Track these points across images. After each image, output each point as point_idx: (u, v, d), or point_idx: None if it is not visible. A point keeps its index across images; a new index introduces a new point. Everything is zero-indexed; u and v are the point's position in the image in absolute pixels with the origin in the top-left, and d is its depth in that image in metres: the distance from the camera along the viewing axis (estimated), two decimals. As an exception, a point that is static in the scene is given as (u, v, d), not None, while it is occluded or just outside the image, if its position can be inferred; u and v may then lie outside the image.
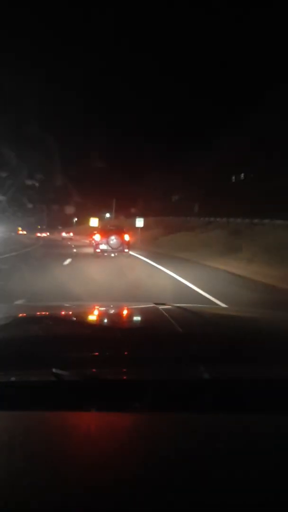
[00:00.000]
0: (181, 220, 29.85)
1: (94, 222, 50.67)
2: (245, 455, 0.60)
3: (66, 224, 65.00)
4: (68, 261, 12.75)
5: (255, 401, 0.81)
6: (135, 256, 15.08)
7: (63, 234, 47.62)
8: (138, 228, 27.74)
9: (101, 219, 53.47)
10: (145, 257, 14.73)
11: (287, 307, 6.28)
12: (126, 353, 1.03)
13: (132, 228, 33.87)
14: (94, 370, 0.89)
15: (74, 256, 15.42)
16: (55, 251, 18.50)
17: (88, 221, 52.18)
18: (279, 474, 0.55)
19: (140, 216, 27.61)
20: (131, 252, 15.05)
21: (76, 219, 61.95)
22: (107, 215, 51.90)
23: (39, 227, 66.65)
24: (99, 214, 51.86)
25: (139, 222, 28.46)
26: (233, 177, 31.41)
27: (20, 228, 61.55)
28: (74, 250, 20.31)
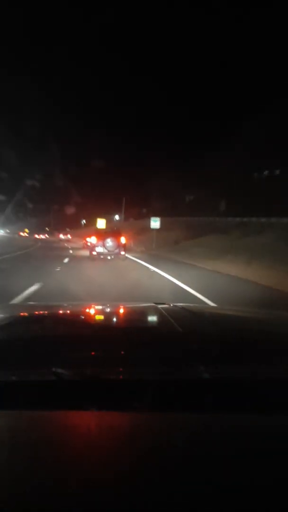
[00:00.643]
0: (204, 220, 24.09)
1: (101, 223, 45.69)
2: (245, 455, 0.59)
3: (74, 226, 63.71)
4: (58, 268, 10.74)
5: (255, 401, 0.80)
6: (151, 270, 10.99)
7: (61, 236, 46.98)
8: (153, 230, 23.18)
9: (110, 221, 48.14)
10: (168, 273, 9.51)
11: None
12: (126, 353, 1.00)
13: (144, 230, 28.26)
14: (94, 369, 0.89)
15: (70, 258, 14.57)
16: (50, 253, 17.84)
17: (96, 222, 46.84)
18: (279, 474, 0.55)
19: (153, 216, 23.90)
20: (144, 263, 12.95)
21: (84, 221, 60.74)
22: (116, 217, 49.34)
23: (47, 229, 65.49)
24: (107, 216, 46.50)
25: (155, 223, 22.78)
26: (265, 172, 25.59)
27: (26, 230, 61.77)
28: (70, 251, 19.93)
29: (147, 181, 40.55)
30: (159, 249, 20.89)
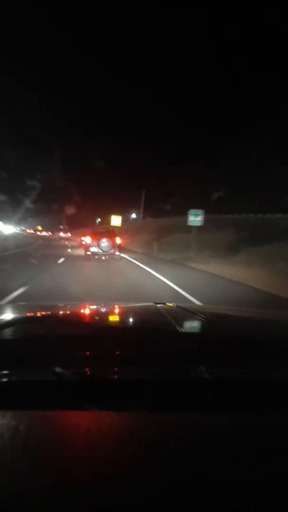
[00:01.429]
0: (263, 218, 15.66)
1: (116, 221, 38.06)
2: (245, 455, 0.59)
3: (89, 224, 57.77)
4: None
5: (255, 401, 0.80)
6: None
7: (61, 234, 46.20)
8: (192, 228, 16.44)
9: (126, 220, 40.05)
10: None
11: None
12: (126, 353, 0.99)
13: (170, 230, 23.87)
14: (94, 369, 0.88)
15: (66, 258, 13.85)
16: (46, 252, 17.14)
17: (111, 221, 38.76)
18: (279, 474, 0.55)
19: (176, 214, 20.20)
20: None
21: (99, 219, 57.17)
22: (133, 215, 44.07)
23: (61, 227, 64.74)
24: (124, 215, 38.72)
25: (195, 218, 14.58)
26: None
27: (39, 227, 62.95)
28: (69, 250, 19.54)
29: (169, 174, 32.67)
30: (207, 259, 12.76)
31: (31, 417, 0.69)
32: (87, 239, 13.96)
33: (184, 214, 16.80)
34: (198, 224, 15.06)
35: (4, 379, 0.82)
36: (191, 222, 15.05)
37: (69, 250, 20.14)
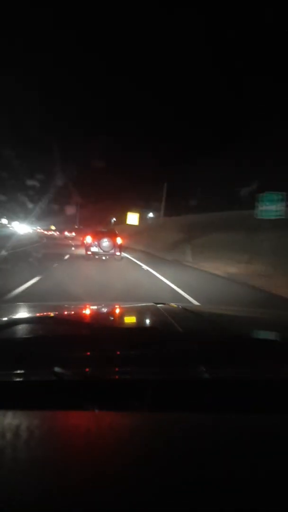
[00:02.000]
0: None
1: (132, 219, 32.12)
2: (245, 455, 0.60)
3: (104, 224, 55.53)
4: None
5: (254, 400, 0.82)
6: None
7: (66, 233, 47.33)
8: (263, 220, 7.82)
9: (144, 219, 33.80)
10: None
11: None
12: (126, 353, 1.00)
13: (204, 228, 18.59)
14: (94, 369, 0.90)
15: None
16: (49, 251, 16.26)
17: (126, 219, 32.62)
18: (279, 474, 0.56)
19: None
20: None
21: (114, 219, 54.63)
22: (150, 214, 38.66)
23: (76, 227, 63.54)
24: (142, 213, 32.71)
25: (272, 206, 7.42)
26: None
27: (53, 227, 63.03)
28: (72, 249, 19.35)
29: (194, 166, 29.05)
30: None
31: (31, 417, 0.69)
32: (88, 239, 13.82)
33: (219, 209, 11.65)
34: (277, 215, 8.73)
35: (4, 379, 0.83)
36: (263, 213, 8.71)
37: (73, 249, 19.64)
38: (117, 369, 0.90)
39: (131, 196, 43.41)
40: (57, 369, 0.80)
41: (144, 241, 25.28)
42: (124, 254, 14.12)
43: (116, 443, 0.61)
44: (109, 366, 0.92)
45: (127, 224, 31.80)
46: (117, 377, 0.88)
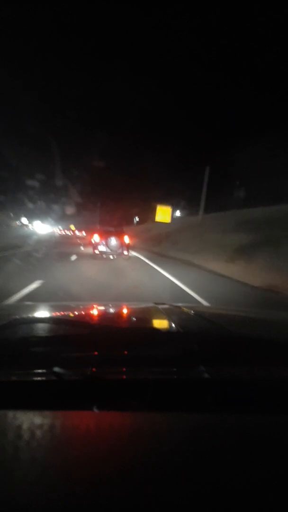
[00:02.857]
0: None
1: (163, 215, 25.90)
2: (245, 455, 0.61)
3: (126, 223, 53.08)
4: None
5: (255, 401, 0.83)
6: None
7: (76, 232, 48.79)
8: None
9: (177, 219, 27.43)
10: None
11: None
12: (126, 352, 1.03)
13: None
14: (94, 369, 0.91)
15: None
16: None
17: (156, 213, 26.06)
18: (279, 474, 0.57)
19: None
20: None
21: (137, 218, 52.80)
22: (177, 213, 33.37)
23: (98, 227, 54.49)
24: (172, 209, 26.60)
25: None
26: None
27: (72, 227, 63.16)
28: (81, 248, 19.32)
29: (242, 152, 20.21)
30: None
31: (31, 417, 0.70)
32: (96, 238, 13.76)
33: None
34: None
35: (4, 379, 0.83)
36: None
37: (82, 248, 19.75)
38: (117, 369, 0.92)
39: (159, 191, 37.74)
40: (56, 369, 0.82)
41: (185, 245, 19.10)
42: (163, 273, 10.09)
43: (116, 443, 0.63)
44: (109, 366, 0.94)
45: (156, 222, 25.66)
46: (117, 377, 0.90)
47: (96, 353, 0.98)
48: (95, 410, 0.77)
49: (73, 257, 13.51)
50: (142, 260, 14.91)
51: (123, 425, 0.69)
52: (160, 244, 24.62)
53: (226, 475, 0.55)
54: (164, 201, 27.75)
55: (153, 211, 27.84)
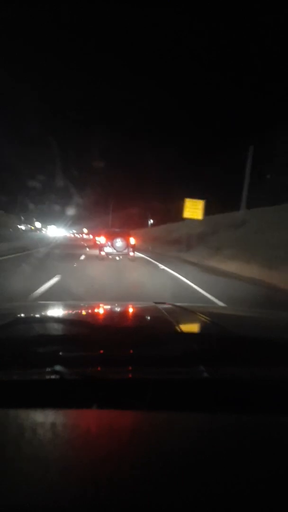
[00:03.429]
0: None
1: (193, 210, 19.23)
2: (245, 455, 0.62)
3: (140, 225, 52.30)
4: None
5: (255, 401, 0.84)
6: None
7: (84, 235, 50.98)
8: None
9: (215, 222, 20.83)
10: None
11: None
12: (126, 352, 1.03)
13: None
14: (94, 369, 0.92)
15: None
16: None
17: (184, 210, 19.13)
18: (279, 474, 0.58)
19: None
20: None
21: (151, 220, 49.56)
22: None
23: (104, 229, 55.41)
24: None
25: None
26: None
27: (85, 230, 63.18)
28: (87, 249, 20.55)
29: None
30: None
31: (32, 415, 0.72)
32: (101, 239, 14.13)
33: None
34: None
35: (6, 378, 0.85)
36: None
37: (87, 249, 20.54)
38: (117, 368, 0.93)
39: (184, 184, 31.44)
40: (58, 368, 0.83)
41: (237, 250, 12.94)
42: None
43: (116, 442, 0.64)
44: (109, 365, 0.95)
45: (177, 222, 19.24)
46: (117, 376, 0.90)
47: (96, 352, 0.99)
48: (96, 409, 0.78)
49: (82, 257, 15.05)
50: (180, 279, 9.20)
51: (123, 424, 0.70)
52: (192, 248, 18.20)
53: (226, 474, 0.56)
54: (191, 195, 21.32)
55: (176, 208, 21.39)
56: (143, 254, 18.61)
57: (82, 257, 15.58)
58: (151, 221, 50.04)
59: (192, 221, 20.34)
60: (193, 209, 20.18)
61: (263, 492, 0.52)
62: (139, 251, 19.31)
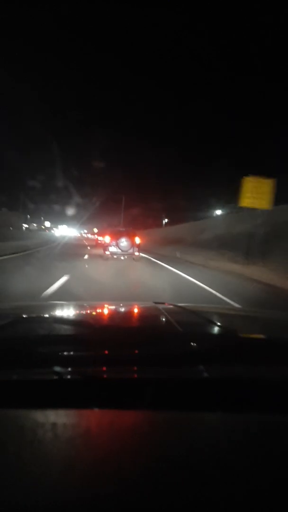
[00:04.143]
0: None
1: (257, 194, 13.17)
2: (245, 455, 0.63)
3: (154, 225, 52.48)
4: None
5: (255, 401, 0.85)
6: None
7: (89, 235, 51.02)
8: None
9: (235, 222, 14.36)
10: None
11: None
12: (126, 352, 1.04)
13: None
14: (94, 368, 0.93)
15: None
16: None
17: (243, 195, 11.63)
18: (279, 474, 0.58)
19: None
20: None
21: (166, 220, 48.02)
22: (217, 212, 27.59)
23: (122, 229, 50.97)
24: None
25: None
26: None
27: (95, 230, 64.17)
28: (89, 248, 21.55)
29: None
30: None
31: (32, 416, 0.72)
32: (106, 239, 14.10)
33: None
34: None
35: (5, 378, 0.85)
36: None
37: (89, 248, 21.41)
38: (117, 368, 0.94)
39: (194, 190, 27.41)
40: (57, 368, 0.84)
41: None
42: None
43: (117, 442, 0.65)
44: (109, 365, 0.95)
45: (244, 206, 13.31)
46: (117, 376, 0.91)
47: (96, 352, 1.00)
48: (96, 408, 0.78)
49: (86, 256, 15.62)
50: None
51: (123, 424, 0.71)
52: (258, 257, 12.06)
53: (226, 474, 0.56)
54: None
55: (238, 187, 14.90)
56: (174, 268, 11.62)
57: (86, 256, 15.85)
58: (166, 220, 45.92)
59: (230, 216, 14.88)
60: (257, 193, 14.36)
61: (264, 492, 0.52)
62: (162, 260, 15.20)
